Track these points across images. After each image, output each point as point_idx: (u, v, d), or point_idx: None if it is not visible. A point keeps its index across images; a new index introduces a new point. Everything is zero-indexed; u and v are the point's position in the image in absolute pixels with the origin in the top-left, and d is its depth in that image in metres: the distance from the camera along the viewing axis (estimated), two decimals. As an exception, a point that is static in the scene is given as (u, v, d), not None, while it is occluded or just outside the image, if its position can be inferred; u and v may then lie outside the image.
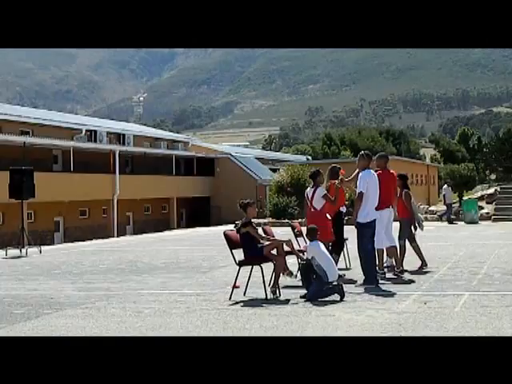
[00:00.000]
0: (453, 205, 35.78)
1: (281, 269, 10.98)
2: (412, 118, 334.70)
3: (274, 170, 54.24)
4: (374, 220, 11.94)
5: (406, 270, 13.81)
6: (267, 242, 11.11)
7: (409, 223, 14.51)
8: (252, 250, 11.03)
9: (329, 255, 11.11)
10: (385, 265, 13.54)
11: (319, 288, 10.61)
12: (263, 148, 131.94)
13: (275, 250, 11.08)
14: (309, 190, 12.67)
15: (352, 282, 11.89)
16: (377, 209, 12.08)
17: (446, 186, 36.91)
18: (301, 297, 10.76)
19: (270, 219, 36.95)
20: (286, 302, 10.49)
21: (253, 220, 11.25)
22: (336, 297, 10.51)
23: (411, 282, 12.40)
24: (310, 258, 10.94)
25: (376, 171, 12.50)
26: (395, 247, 13.36)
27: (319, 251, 10.92)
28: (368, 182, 11.92)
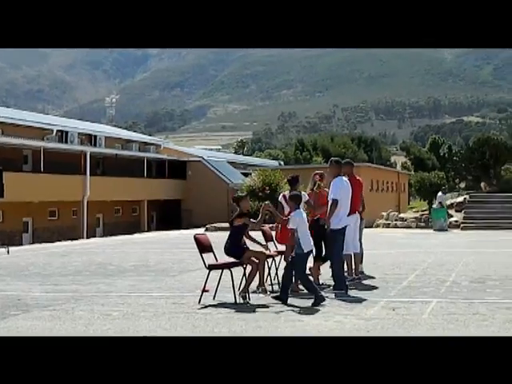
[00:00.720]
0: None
1: (253, 275, 10.98)
2: (384, 126, 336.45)
3: (246, 175, 54.25)
4: (346, 226, 12.00)
5: (373, 277, 13.93)
6: (251, 250, 11.11)
7: None
8: (235, 247, 11.07)
9: (307, 226, 11.04)
10: (360, 270, 13.79)
11: (300, 263, 10.69)
12: (235, 152, 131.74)
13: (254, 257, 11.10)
14: (287, 195, 12.60)
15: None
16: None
17: (440, 193, 37.10)
18: (272, 297, 10.80)
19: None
20: (256, 306, 10.49)
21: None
22: (307, 302, 10.54)
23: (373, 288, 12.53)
24: (294, 227, 10.76)
25: None
26: (351, 255, 13.28)
27: (301, 220, 10.82)
28: (341, 189, 11.96)
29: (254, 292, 11.46)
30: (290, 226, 10.82)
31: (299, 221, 10.81)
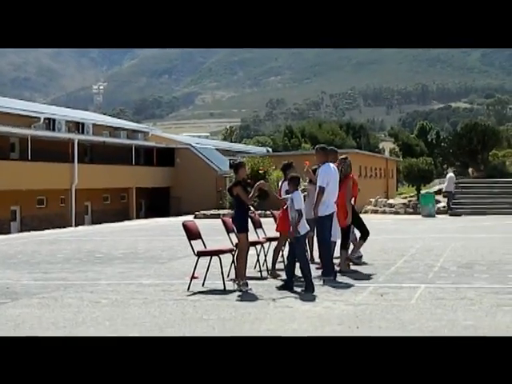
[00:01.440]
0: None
1: (241, 261, 10.97)
2: (372, 112, 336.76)
3: (231, 161, 54.19)
4: (333, 213, 12.03)
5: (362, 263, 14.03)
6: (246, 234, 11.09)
7: None
8: (238, 218, 11.05)
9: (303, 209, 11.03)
10: (356, 255, 14.06)
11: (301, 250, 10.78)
12: (224, 139, 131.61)
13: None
14: (281, 183, 12.59)
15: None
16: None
17: (451, 173, 36.52)
18: (277, 287, 10.79)
19: (230, 210, 36.90)
20: (244, 292, 10.52)
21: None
22: (296, 288, 10.59)
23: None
24: (299, 208, 10.71)
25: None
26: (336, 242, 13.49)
27: (301, 201, 10.84)
28: (328, 176, 11.97)
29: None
30: (296, 207, 10.76)
31: (300, 202, 10.84)
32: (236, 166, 11.33)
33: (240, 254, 11.01)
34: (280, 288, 10.73)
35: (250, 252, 11.80)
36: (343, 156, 13.61)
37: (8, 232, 35.90)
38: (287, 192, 11.36)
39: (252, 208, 11.97)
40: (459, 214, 32.81)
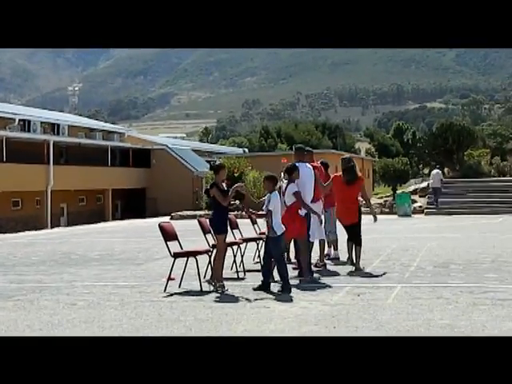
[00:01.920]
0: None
1: (218, 262, 10.93)
2: (348, 112, 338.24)
3: (211, 162, 54.21)
4: (308, 213, 12.03)
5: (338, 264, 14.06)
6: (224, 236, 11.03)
7: None
8: (216, 221, 10.97)
9: (280, 209, 10.97)
10: (331, 256, 14.39)
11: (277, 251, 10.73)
12: (200, 140, 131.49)
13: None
14: (283, 185, 12.30)
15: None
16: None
17: (437, 170, 36.90)
18: (253, 289, 10.75)
19: (206, 211, 36.87)
20: (221, 294, 10.51)
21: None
22: (273, 289, 10.60)
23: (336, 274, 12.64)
24: (271, 209, 10.70)
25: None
26: (324, 241, 13.61)
27: (277, 202, 10.81)
28: (303, 177, 11.97)
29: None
30: (269, 207, 10.75)
31: (276, 202, 10.81)
32: (216, 168, 11.27)
33: (218, 255, 10.96)
34: (256, 289, 10.71)
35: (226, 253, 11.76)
36: (347, 156, 13.83)
37: (-18, 234, 35.59)
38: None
39: (242, 209, 11.97)
40: (450, 214, 32.84)
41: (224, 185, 11.08)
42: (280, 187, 11.86)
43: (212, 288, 10.81)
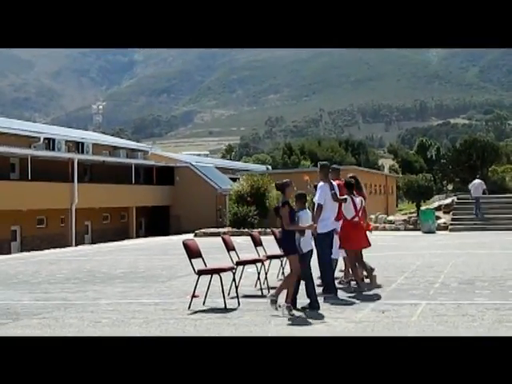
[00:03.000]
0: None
1: (288, 283, 10.52)
2: (371, 129, 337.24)
3: (234, 180, 54.25)
4: (333, 230, 12.03)
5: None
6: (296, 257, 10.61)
7: None
8: (286, 240, 10.61)
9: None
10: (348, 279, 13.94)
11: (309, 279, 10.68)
12: (223, 157, 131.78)
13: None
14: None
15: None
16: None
17: (479, 180, 36.68)
18: (302, 308, 10.57)
19: (230, 228, 36.92)
20: (245, 311, 10.49)
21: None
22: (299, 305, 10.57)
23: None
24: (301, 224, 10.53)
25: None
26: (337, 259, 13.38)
27: (306, 220, 10.70)
28: (326, 193, 11.98)
29: (244, 297, 11.46)
30: (301, 224, 10.58)
31: (305, 220, 10.70)
32: (282, 186, 11.01)
33: (290, 276, 10.49)
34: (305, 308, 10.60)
35: (249, 270, 11.74)
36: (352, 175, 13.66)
37: (8, 252, 35.82)
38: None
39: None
40: (474, 230, 32.46)
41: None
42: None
43: (281, 310, 10.24)
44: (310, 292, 10.60)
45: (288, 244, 10.54)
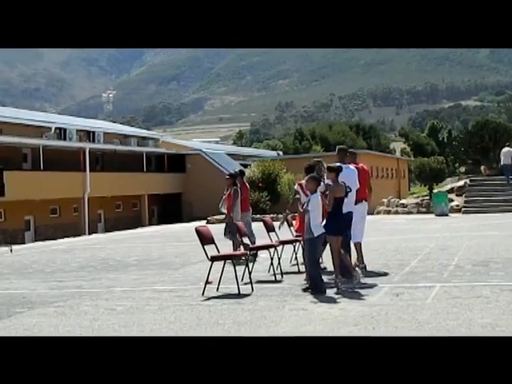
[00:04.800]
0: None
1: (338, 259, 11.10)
2: (382, 112, 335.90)
3: (245, 166, 54.25)
4: (351, 213, 11.97)
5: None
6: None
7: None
8: (333, 219, 11.03)
9: (320, 211, 10.89)
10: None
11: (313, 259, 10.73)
12: (234, 144, 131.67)
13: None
14: (303, 183, 12.28)
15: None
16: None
17: (508, 148, 36.65)
18: (303, 290, 10.71)
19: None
20: (259, 296, 10.51)
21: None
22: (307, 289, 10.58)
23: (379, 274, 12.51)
24: (309, 209, 10.66)
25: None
26: (360, 242, 13.34)
27: (317, 203, 10.76)
28: (342, 176, 11.94)
29: (257, 282, 11.48)
30: (308, 207, 10.70)
31: (315, 203, 10.74)
32: (312, 167, 11.34)
33: (334, 254, 11.09)
34: (305, 290, 10.72)
35: (262, 255, 11.78)
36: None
37: (22, 242, 36.01)
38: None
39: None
40: (487, 212, 32.22)
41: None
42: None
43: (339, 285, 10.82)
44: (313, 276, 10.62)
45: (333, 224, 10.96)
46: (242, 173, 17.08)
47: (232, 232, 15.04)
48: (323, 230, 10.74)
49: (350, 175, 12.05)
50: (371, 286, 11.00)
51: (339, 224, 11.05)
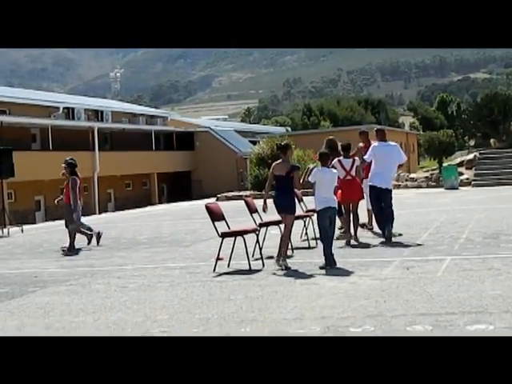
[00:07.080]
0: None
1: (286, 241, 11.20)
2: (390, 87, 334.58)
3: (254, 143, 54.09)
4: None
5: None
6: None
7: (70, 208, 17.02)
8: (290, 200, 11.23)
9: (326, 185, 11.07)
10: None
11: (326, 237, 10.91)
12: (242, 121, 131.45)
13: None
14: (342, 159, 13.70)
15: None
16: None
17: None
18: (320, 267, 10.72)
19: (252, 192, 36.92)
20: (270, 272, 10.54)
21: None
22: (319, 263, 10.60)
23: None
24: (312, 181, 11.15)
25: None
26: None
27: (321, 176, 11.01)
28: (375, 153, 13.85)
29: (268, 258, 11.51)
30: (310, 178, 11.25)
31: (319, 176, 11.00)
32: (283, 148, 11.46)
33: (286, 233, 11.18)
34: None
35: (273, 231, 11.82)
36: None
37: (33, 222, 36.15)
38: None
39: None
40: (497, 185, 32.10)
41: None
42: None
43: (278, 267, 10.86)
44: (324, 249, 10.70)
45: (292, 204, 11.30)
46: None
47: (69, 220, 16.43)
48: (326, 205, 10.84)
49: (391, 151, 14.06)
50: (382, 260, 11.02)
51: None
